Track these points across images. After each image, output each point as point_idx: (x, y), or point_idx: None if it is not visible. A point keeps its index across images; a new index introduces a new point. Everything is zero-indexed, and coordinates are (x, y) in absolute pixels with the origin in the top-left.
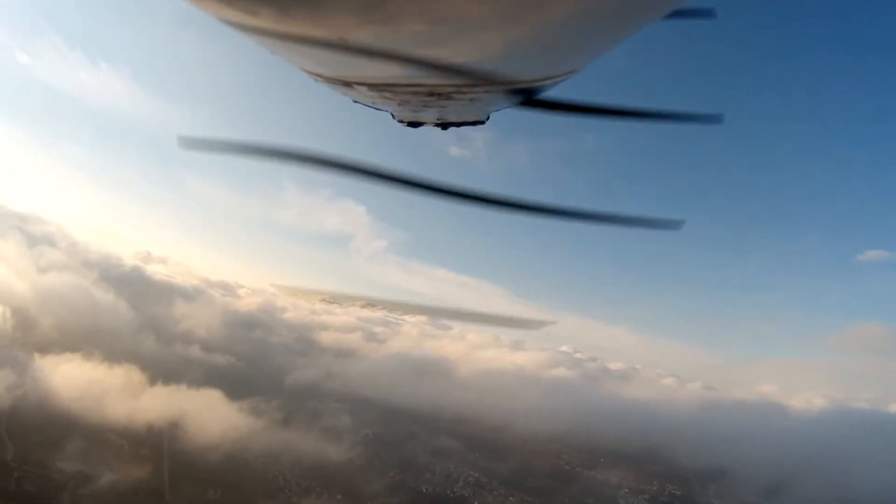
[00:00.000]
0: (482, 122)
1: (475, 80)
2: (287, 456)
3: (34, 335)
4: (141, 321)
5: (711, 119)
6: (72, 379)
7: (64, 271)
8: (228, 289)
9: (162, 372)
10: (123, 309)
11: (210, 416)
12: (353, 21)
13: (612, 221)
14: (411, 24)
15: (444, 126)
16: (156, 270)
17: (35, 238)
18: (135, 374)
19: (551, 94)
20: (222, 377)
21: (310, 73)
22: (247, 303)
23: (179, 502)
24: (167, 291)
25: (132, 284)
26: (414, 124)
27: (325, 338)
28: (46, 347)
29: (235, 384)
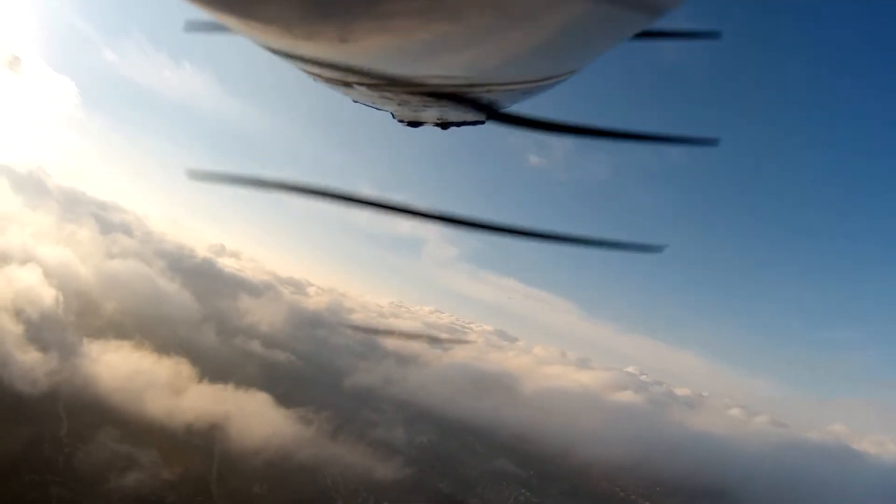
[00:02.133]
0: (482, 123)
1: (475, 80)
2: (334, 467)
3: (89, 320)
4: (204, 313)
5: (707, 142)
6: (117, 367)
7: (130, 258)
8: (298, 286)
9: (215, 367)
10: (188, 299)
11: (256, 420)
12: (354, 22)
13: (591, 244)
14: (411, 24)
15: (445, 126)
16: (227, 264)
17: (111, 225)
18: (184, 368)
19: (549, 114)
20: (278, 376)
21: (309, 73)
22: (315, 301)
23: (225, 493)
24: (235, 285)
25: (201, 276)
26: (414, 124)
27: (389, 341)
28: (99, 333)
29: (290, 385)
